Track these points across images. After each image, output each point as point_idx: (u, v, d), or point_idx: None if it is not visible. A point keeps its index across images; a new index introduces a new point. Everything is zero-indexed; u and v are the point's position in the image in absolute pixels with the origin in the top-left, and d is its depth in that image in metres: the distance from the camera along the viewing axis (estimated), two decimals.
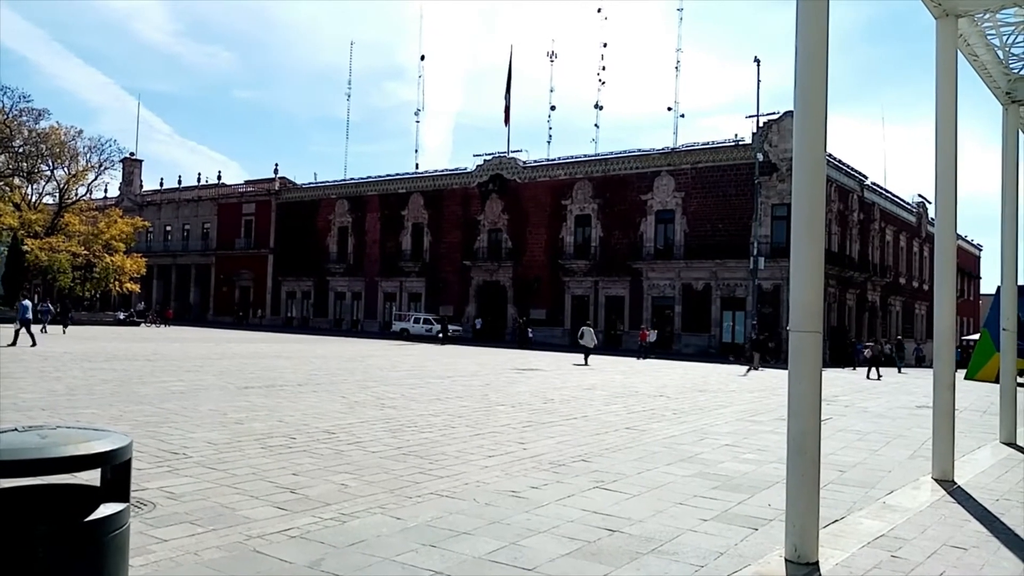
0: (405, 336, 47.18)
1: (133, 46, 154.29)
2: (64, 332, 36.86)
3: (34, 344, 24.45)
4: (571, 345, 46.16)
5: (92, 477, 2.36)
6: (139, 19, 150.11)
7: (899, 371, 34.04)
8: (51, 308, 41.15)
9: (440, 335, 44.27)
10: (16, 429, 2.31)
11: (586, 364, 27.47)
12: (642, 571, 4.59)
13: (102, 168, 61.28)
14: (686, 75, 68.78)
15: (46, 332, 35.90)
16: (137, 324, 52.65)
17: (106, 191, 73.39)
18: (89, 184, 62.26)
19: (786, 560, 4.83)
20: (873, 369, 28.25)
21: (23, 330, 25.04)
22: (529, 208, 52.02)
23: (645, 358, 33.84)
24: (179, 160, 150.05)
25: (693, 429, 11.14)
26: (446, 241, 55.92)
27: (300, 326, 61.79)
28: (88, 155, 59.90)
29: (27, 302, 27.26)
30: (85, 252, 55.22)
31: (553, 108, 58.17)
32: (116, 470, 2.25)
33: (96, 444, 2.19)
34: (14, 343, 24.10)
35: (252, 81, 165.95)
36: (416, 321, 48.62)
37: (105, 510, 2.16)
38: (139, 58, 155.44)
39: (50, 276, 56.73)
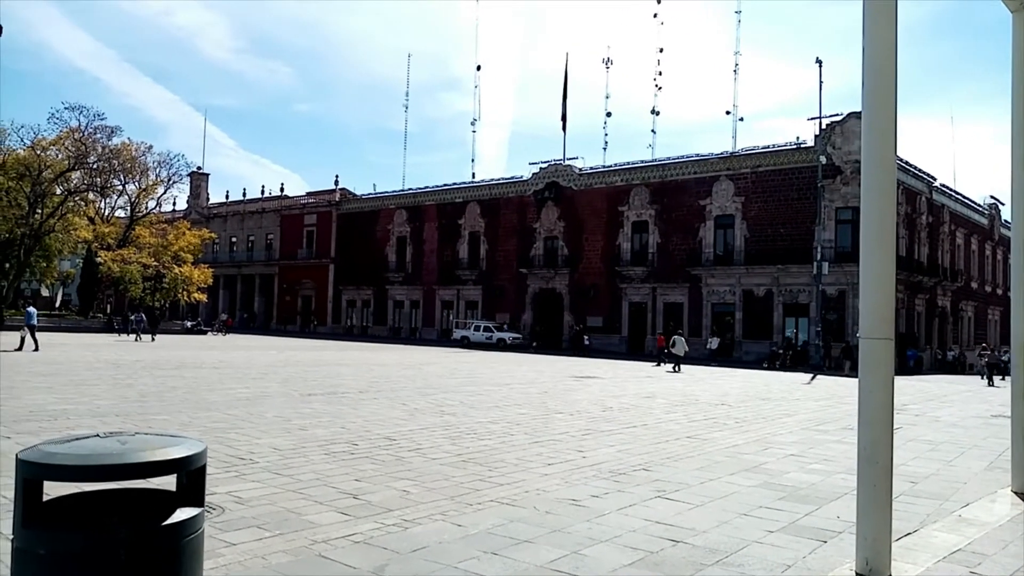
0: (466, 344, 47.45)
1: (198, 64, 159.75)
2: (152, 340, 39.83)
3: (36, 348, 25.44)
4: (628, 352, 45.82)
5: (167, 482, 2.42)
6: (203, 37, 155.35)
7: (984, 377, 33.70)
8: (144, 318, 44.31)
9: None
10: (98, 435, 2.39)
11: (677, 371, 28.79)
12: None
13: (171, 182, 63.49)
14: (744, 78, 67.93)
15: (140, 340, 38.56)
16: (204, 333, 54.22)
17: (175, 204, 76.04)
18: (159, 197, 64.58)
19: (857, 574, 4.68)
20: (990, 376, 29.29)
21: (28, 335, 26.22)
22: (585, 215, 51.87)
23: (660, 364, 33.19)
24: (243, 173, 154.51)
25: (756, 438, 10.91)
26: (502, 249, 56.14)
27: (360, 334, 62.76)
28: (158, 170, 62.12)
29: (32, 309, 29.18)
30: (155, 263, 57.12)
31: (609, 114, 58.01)
32: (191, 475, 2.31)
33: (173, 450, 2.25)
34: (20, 348, 25.17)
35: (311, 95, 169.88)
36: (476, 329, 48.90)
37: (181, 515, 2.22)
38: (204, 75, 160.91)
39: (122, 287, 58.88)
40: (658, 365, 32.83)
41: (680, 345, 30.46)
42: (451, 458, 8.30)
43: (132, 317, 45.53)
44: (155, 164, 61.90)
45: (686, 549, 5.17)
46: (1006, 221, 54.59)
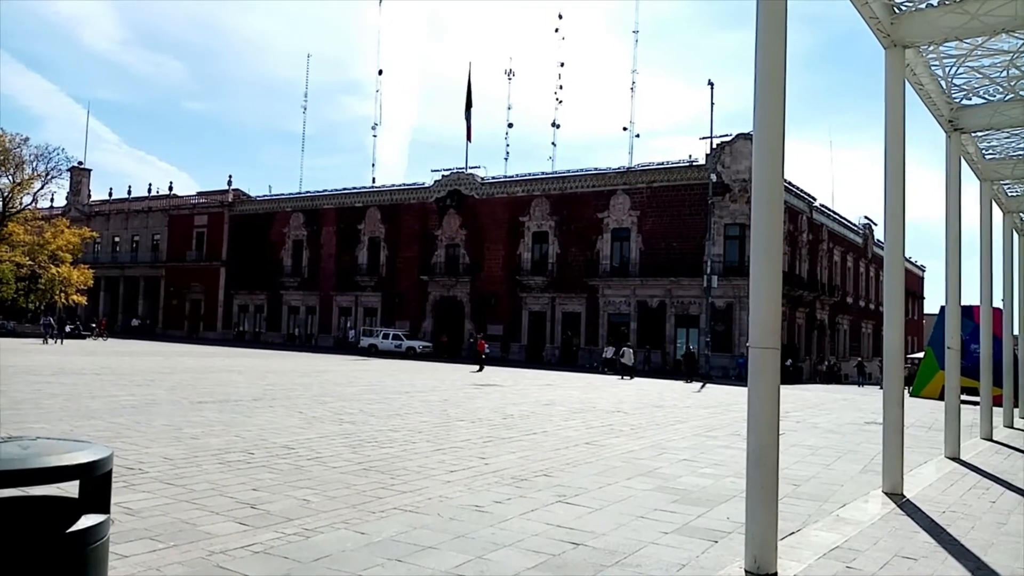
0: (373, 352, 46.60)
1: (80, 53, 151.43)
2: (61, 344, 39.67)
3: None
4: (527, 360, 46.32)
5: (62, 487, 2.34)
6: (85, 26, 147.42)
7: (860, 386, 38.76)
8: (52, 322, 43.12)
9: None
10: None
11: (629, 378, 31.58)
12: None
13: (49, 177, 59.56)
14: (641, 96, 70.12)
15: (58, 344, 39.00)
16: (84, 337, 51.29)
17: (52, 200, 71.26)
18: (35, 193, 60.44)
19: (746, 571, 4.95)
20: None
21: None
22: (487, 224, 52.12)
23: (481, 369, 32.68)
24: (128, 170, 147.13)
25: (651, 444, 11.28)
26: (403, 256, 55.68)
27: (252, 340, 60.77)
28: (34, 163, 58.17)
29: None
30: (30, 263, 53.59)
31: (511, 125, 58.70)
32: (96, 481, 2.23)
33: (78, 455, 2.17)
34: None
35: (203, 92, 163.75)
36: (385, 336, 48.29)
37: (86, 521, 2.15)
38: (86, 66, 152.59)
39: None
40: (480, 370, 31.86)
41: (629, 355, 32.96)
42: (352, 466, 8.20)
43: (43, 321, 43.68)
44: (31, 157, 57.96)
45: (586, 551, 5.31)
46: (879, 240, 58.44)
